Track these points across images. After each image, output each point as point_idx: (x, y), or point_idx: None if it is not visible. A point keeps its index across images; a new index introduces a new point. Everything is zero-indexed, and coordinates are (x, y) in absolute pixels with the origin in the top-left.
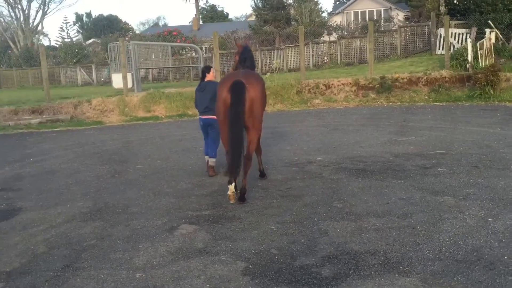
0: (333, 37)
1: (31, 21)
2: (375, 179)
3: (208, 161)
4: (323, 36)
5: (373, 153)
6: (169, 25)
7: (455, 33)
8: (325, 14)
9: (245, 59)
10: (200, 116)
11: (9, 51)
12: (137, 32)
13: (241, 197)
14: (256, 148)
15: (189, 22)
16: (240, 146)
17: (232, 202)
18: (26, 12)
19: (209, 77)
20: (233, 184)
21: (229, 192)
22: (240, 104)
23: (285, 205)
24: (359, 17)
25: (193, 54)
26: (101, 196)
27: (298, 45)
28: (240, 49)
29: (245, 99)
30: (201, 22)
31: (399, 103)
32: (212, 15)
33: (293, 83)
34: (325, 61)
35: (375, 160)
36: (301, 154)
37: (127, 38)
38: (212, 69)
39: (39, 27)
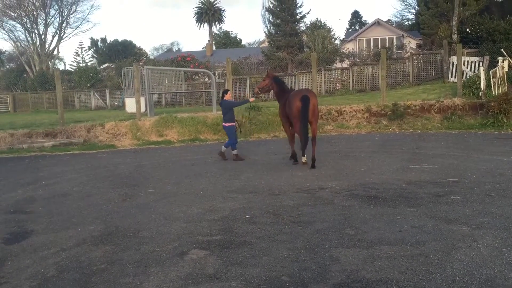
0: (345, 64)
1: (47, 45)
2: (387, 206)
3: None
4: (336, 63)
5: (385, 180)
6: (182, 50)
7: (468, 61)
8: (337, 41)
9: (282, 83)
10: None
11: (25, 75)
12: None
13: (313, 164)
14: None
15: (203, 48)
16: (307, 133)
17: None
18: (43, 37)
19: (226, 97)
20: (305, 155)
21: (303, 160)
22: (307, 111)
23: (296, 231)
24: (372, 44)
25: (206, 79)
26: (112, 220)
27: (311, 72)
28: (271, 75)
29: (309, 107)
30: (214, 48)
31: (412, 130)
32: (226, 41)
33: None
34: (337, 88)
35: (388, 187)
36: (312, 180)
37: (141, 63)
38: (229, 92)
39: (55, 52)
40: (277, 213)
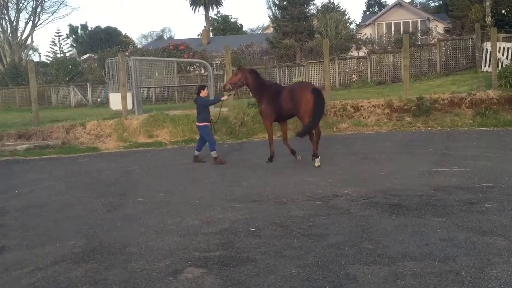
0: (362, 52)
1: (19, 33)
2: (411, 216)
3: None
4: (351, 51)
5: (410, 185)
6: (175, 38)
7: (504, 48)
8: (353, 26)
9: (259, 76)
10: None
11: None
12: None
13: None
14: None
15: (198, 35)
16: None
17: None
18: (14, 23)
19: (203, 93)
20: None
21: (317, 164)
22: (323, 104)
23: (307, 246)
24: (393, 29)
25: (203, 71)
26: (95, 234)
27: (322, 61)
28: (243, 69)
29: (324, 100)
30: (211, 35)
31: (439, 128)
32: (224, 27)
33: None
34: (353, 80)
35: (412, 194)
36: (325, 186)
37: (127, 53)
38: (206, 88)
39: (28, 41)
40: (284, 224)
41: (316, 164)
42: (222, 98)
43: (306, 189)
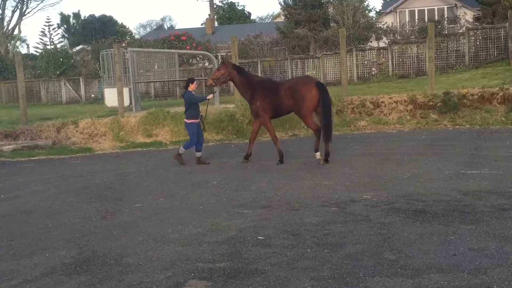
0: (383, 43)
1: (5, 23)
2: (437, 223)
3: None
4: (371, 41)
5: (435, 190)
6: (176, 27)
7: None
8: (372, 14)
9: (244, 70)
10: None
11: None
12: (137, 36)
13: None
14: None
15: (202, 24)
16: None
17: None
18: (0, 12)
19: (191, 87)
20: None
21: (321, 161)
22: (330, 100)
23: (321, 256)
24: (416, 17)
25: (207, 63)
26: (89, 243)
27: (339, 53)
28: (227, 63)
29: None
30: (216, 24)
31: (468, 126)
32: (230, 15)
33: (332, 100)
34: (373, 73)
35: (438, 199)
36: (342, 190)
37: (124, 44)
38: (195, 82)
39: (16, 31)
40: (297, 233)
41: (321, 162)
42: (207, 97)
43: (320, 194)
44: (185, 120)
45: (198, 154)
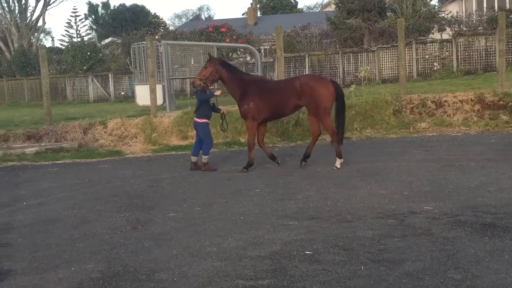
0: (446, 34)
1: (29, 14)
2: (509, 238)
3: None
4: (432, 33)
5: (506, 200)
6: (214, 18)
7: None
8: (435, 2)
9: (233, 68)
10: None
11: None
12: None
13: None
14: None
15: (243, 14)
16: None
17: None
18: (23, 2)
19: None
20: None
21: (338, 165)
22: (344, 99)
23: (377, 274)
24: (485, 5)
25: (248, 58)
26: (118, 256)
27: (396, 46)
28: (214, 60)
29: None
30: (259, 14)
31: None
32: (275, 4)
33: (388, 99)
34: (435, 68)
35: (510, 211)
36: (400, 201)
37: (157, 37)
38: None
39: (39, 23)
40: (349, 247)
41: (338, 165)
42: (215, 93)
43: (376, 204)
44: (196, 119)
45: (194, 159)
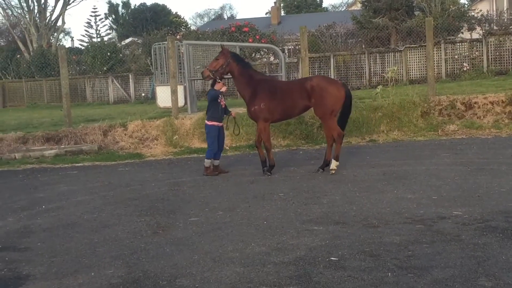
0: (476, 34)
1: (48, 14)
2: None
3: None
4: (462, 32)
5: None
6: (237, 17)
7: None
8: (464, 0)
9: (246, 63)
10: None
11: (18, 56)
12: (193, 27)
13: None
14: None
15: (266, 13)
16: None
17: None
18: (43, 2)
19: (217, 86)
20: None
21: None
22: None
23: (405, 281)
24: None
25: (272, 58)
26: (139, 261)
27: (424, 45)
28: (226, 51)
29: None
30: (283, 13)
31: None
32: (299, 3)
33: (416, 100)
34: (465, 69)
35: None
36: (428, 205)
37: (178, 37)
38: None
39: (59, 23)
40: (376, 253)
41: (330, 171)
42: (221, 89)
43: (403, 209)
44: (206, 121)
45: (207, 162)
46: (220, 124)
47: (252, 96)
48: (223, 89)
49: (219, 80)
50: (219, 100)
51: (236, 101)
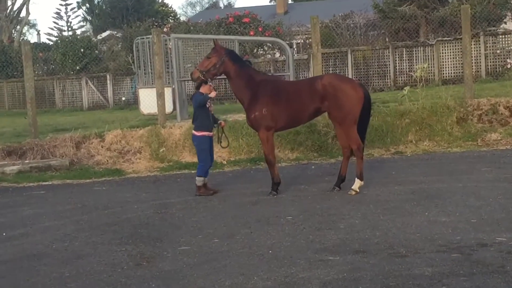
0: None
1: (9, 3)
2: None
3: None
4: (505, 23)
5: None
6: (235, 6)
7: None
8: None
9: (244, 61)
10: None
11: None
12: (183, 18)
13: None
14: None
15: (271, 1)
16: None
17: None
18: None
19: (203, 89)
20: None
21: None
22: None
23: None
24: None
25: (277, 54)
26: None
27: (460, 38)
28: (219, 47)
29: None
30: (290, 1)
31: None
32: None
33: (451, 104)
34: (509, 66)
35: None
36: (466, 230)
37: (165, 29)
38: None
39: (23, 13)
40: (404, 286)
41: (350, 192)
42: (209, 95)
43: (436, 234)
44: (193, 131)
45: (200, 181)
46: (211, 134)
47: (252, 100)
48: (212, 94)
49: (210, 83)
50: (208, 106)
51: (236, 106)
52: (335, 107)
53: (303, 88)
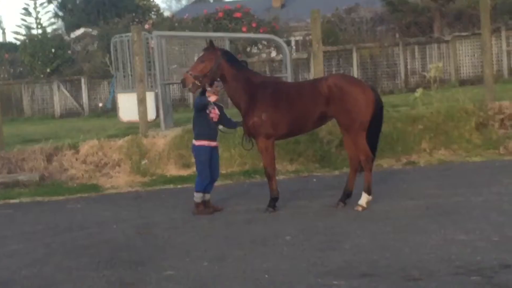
0: None
1: None
2: None
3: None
4: None
5: None
6: None
7: None
8: None
9: (241, 64)
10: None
11: None
12: (167, 13)
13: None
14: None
15: None
16: None
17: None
18: None
19: (209, 92)
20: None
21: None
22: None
23: None
24: None
25: (273, 53)
26: None
27: (479, 34)
28: (213, 48)
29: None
30: None
31: None
32: None
33: (469, 108)
34: None
35: None
36: (487, 249)
37: (147, 26)
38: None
39: None
40: None
41: (357, 208)
42: (209, 98)
43: (453, 255)
44: (193, 141)
45: (198, 197)
46: (213, 143)
47: (249, 105)
48: (212, 98)
49: (209, 88)
50: (208, 111)
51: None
52: (342, 112)
53: (306, 91)
